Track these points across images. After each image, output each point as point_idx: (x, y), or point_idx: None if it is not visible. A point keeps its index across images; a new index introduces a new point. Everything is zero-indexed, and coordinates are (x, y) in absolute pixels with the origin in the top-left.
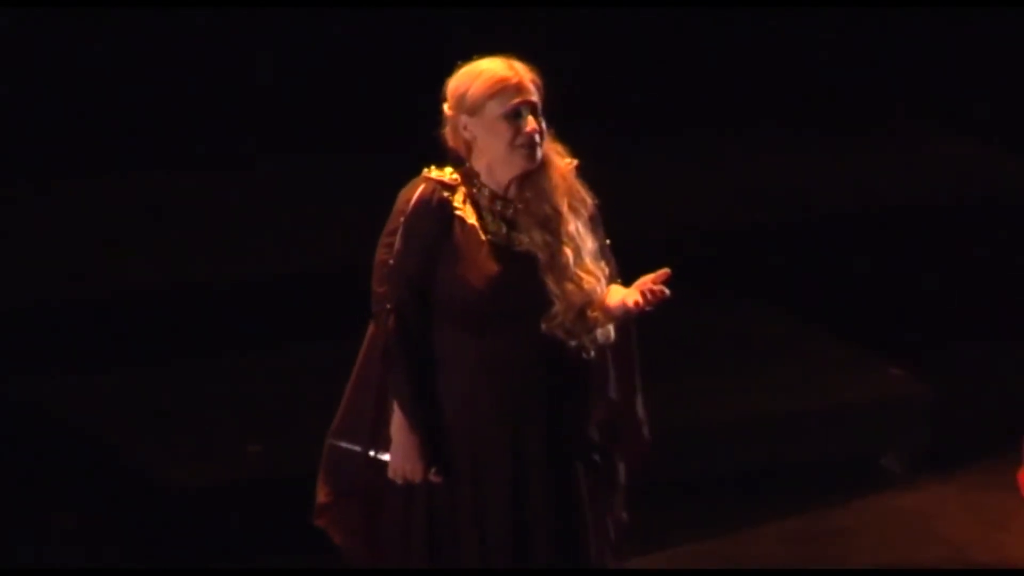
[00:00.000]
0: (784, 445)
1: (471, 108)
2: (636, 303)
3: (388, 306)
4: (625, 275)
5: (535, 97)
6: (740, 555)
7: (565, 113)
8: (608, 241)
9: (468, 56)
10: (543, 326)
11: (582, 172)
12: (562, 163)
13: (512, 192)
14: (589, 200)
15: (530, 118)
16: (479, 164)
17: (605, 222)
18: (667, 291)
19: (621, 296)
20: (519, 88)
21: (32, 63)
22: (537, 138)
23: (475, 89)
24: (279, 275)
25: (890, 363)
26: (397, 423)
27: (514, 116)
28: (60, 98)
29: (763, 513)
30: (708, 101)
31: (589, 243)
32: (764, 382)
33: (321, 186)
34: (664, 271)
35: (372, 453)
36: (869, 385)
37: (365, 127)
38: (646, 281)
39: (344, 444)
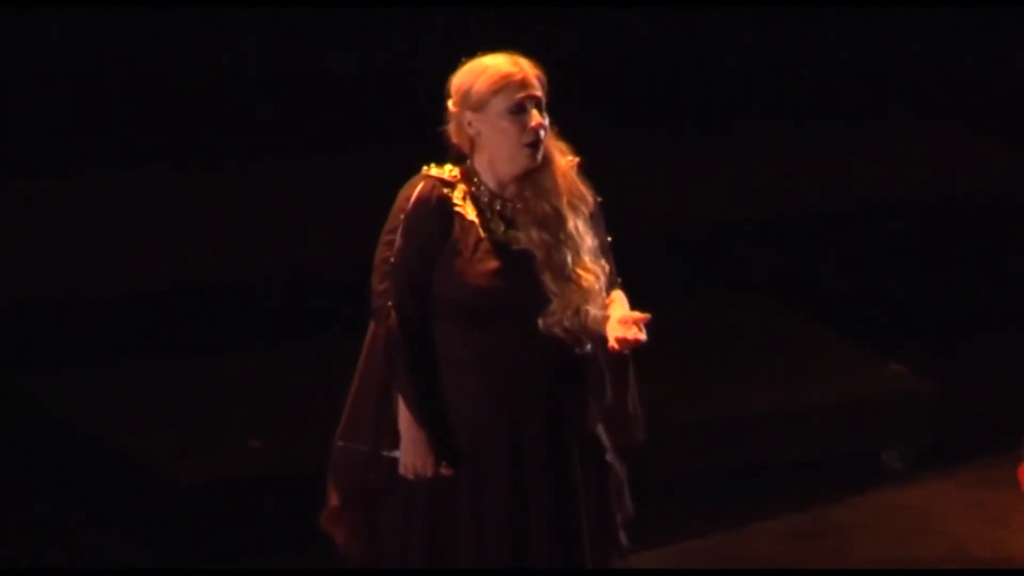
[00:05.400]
0: (785, 441)
1: (476, 104)
2: (611, 348)
3: (389, 303)
4: (626, 272)
5: (539, 92)
6: (741, 551)
7: (566, 109)
8: (610, 239)
9: (472, 53)
10: (541, 324)
11: (584, 169)
12: (563, 161)
13: (512, 190)
14: (590, 198)
15: (534, 112)
16: (481, 161)
17: (608, 217)
18: (643, 338)
19: (610, 323)
20: (523, 83)
21: (33, 61)
22: (541, 133)
23: (479, 85)
24: (280, 273)
25: (891, 359)
26: (405, 419)
27: (518, 111)
28: (58, 96)
29: (764, 509)
30: (709, 97)
31: (589, 241)
32: (765, 378)
33: (321, 186)
34: (645, 316)
35: (378, 451)
36: (870, 381)
37: (364, 126)
38: (628, 320)
39: (350, 444)
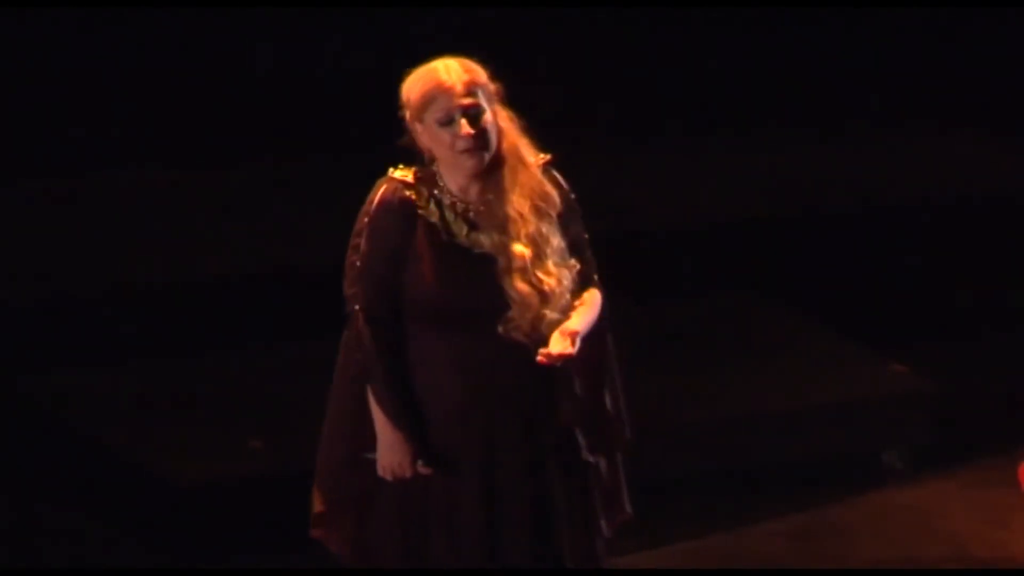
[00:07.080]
0: (785, 441)
1: (416, 116)
2: (539, 359)
3: (357, 307)
4: (625, 271)
5: (468, 100)
6: (740, 551)
7: (569, 110)
8: (586, 236)
9: (473, 54)
10: (500, 329)
11: (561, 166)
12: (531, 159)
13: (475, 192)
14: (557, 197)
15: (463, 122)
16: (440, 166)
17: (607, 216)
18: (571, 352)
19: (554, 334)
20: (450, 93)
21: (33, 61)
22: (475, 141)
23: (414, 97)
24: (280, 273)
25: (892, 359)
26: (380, 421)
27: (448, 122)
28: (58, 96)
29: (764, 509)
30: (709, 96)
31: (555, 242)
32: (765, 378)
33: (321, 186)
34: (575, 330)
35: (359, 454)
36: (870, 381)
37: (365, 127)
38: (565, 332)
39: (331, 449)
